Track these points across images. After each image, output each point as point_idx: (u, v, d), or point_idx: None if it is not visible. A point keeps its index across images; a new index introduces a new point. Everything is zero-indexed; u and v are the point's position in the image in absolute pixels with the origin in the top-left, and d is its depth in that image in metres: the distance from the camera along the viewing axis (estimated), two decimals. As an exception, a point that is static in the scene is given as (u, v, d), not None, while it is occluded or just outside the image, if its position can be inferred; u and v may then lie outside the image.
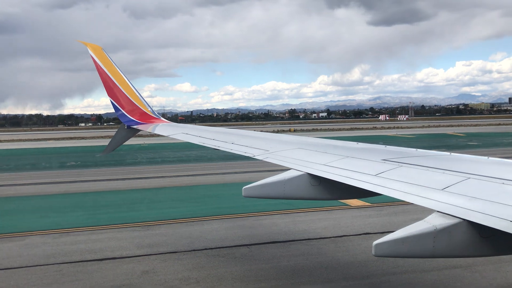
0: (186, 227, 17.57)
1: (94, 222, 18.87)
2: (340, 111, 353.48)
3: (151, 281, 12.11)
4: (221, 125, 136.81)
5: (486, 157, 6.40)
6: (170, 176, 32.34)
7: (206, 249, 14.75)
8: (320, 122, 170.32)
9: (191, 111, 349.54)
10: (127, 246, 15.29)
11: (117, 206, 22.38)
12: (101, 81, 14.96)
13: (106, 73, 14.75)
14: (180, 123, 20.99)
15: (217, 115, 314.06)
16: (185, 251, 14.56)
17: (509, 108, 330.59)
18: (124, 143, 16.61)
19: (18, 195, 26.30)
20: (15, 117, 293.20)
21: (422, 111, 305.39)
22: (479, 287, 11.18)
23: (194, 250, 14.68)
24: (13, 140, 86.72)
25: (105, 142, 25.12)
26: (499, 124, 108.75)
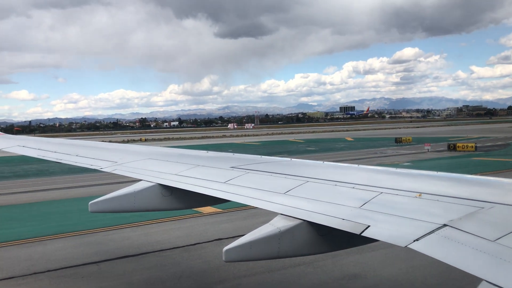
0: (25, 249, 15.96)
1: None
2: (191, 120, 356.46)
3: (-17, 313, 10.74)
4: (65, 136, 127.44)
5: (322, 162, 7.06)
6: (4, 194, 29.09)
7: (48, 271, 13.58)
8: (171, 131, 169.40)
9: (30, 121, 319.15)
10: (-48, 276, 13.33)
11: None
12: None
13: None
14: (16, 134, 19.04)
15: (60, 125, 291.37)
16: (24, 275, 13.22)
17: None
18: None
19: None
20: None
21: (267, 120, 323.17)
22: (321, 281, 12.22)
23: (35, 273, 13.41)
24: None
25: None
26: (333, 131, 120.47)
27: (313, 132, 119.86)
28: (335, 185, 5.43)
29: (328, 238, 4.85)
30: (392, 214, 4.30)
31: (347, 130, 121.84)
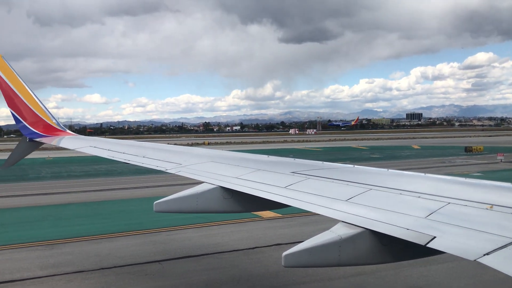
0: (94, 245, 16.78)
1: (-10, 242, 17.37)
2: (253, 125, 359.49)
3: (54, 303, 11.39)
4: (133, 138, 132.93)
5: (386, 169, 6.86)
6: (77, 192, 30.77)
7: (115, 267, 14.18)
8: (233, 136, 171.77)
9: (101, 123, 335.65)
10: (29, 267, 14.26)
11: (17, 225, 20.82)
12: (0, 91, 13.96)
13: (6, 82, 13.79)
14: (88, 135, 20.13)
15: (128, 128, 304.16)
16: (93, 270, 13.89)
17: (406, 123, 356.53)
18: (26, 157, 15.57)
19: None
20: None
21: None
22: (381, 291, 11.87)
23: (102, 268, 14.05)
24: None
25: (5, 155, 23.35)
26: (398, 138, 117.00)
27: (378, 139, 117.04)
28: (400, 193, 5.25)
29: (391, 248, 4.69)
30: (460, 226, 4.09)
31: (414, 138, 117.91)
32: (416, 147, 79.61)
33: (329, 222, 4.92)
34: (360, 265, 4.89)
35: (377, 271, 12.96)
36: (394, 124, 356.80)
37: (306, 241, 4.57)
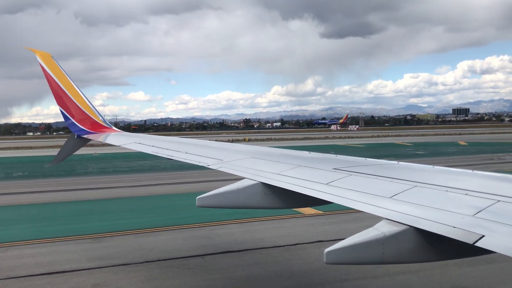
0: (138, 239, 17.23)
1: (41, 234, 18.16)
2: (294, 121, 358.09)
3: (102, 294, 11.77)
4: (176, 135, 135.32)
5: (431, 166, 6.68)
6: (122, 187, 31.65)
7: (159, 260, 14.51)
8: (274, 132, 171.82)
9: (145, 120, 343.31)
10: (77, 259, 14.81)
11: (67, 218, 21.65)
12: (50, 89, 14.52)
13: (55, 81, 14.33)
14: (133, 132, 20.64)
15: (171, 125, 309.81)
16: (137, 263, 14.27)
17: (452, 118, 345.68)
18: (74, 153, 16.15)
19: (-41, 208, 24.94)
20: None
21: (372, 121, 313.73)
22: (426, 291, 11.59)
23: (147, 261, 14.41)
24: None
25: (54, 152, 24.24)
26: (444, 134, 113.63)
27: (423, 135, 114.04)
28: (446, 191, 5.11)
29: (436, 247, 4.58)
30: (511, 225, 3.94)
31: (460, 134, 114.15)
32: (462, 143, 77.05)
33: (372, 220, 4.85)
34: (404, 263, 4.80)
35: (422, 270, 12.66)
36: (440, 119, 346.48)
37: (349, 238, 4.52)
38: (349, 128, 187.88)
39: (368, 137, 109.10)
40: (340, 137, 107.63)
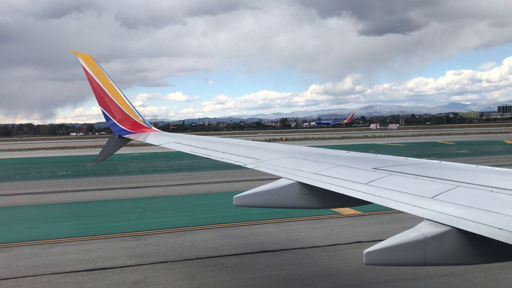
0: (177, 237, 17.47)
1: (84, 232, 18.71)
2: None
3: (142, 291, 12.00)
4: (213, 134, 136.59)
5: (475, 165, 6.45)
6: (161, 186, 32.21)
7: (197, 258, 14.67)
8: (311, 131, 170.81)
9: (183, 120, 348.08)
10: (118, 256, 15.17)
11: (108, 216, 22.23)
12: (92, 91, 14.93)
13: (97, 82, 14.72)
14: (171, 132, 20.94)
15: (208, 124, 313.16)
16: (176, 261, 14.47)
17: (498, 116, 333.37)
18: (115, 153, 16.54)
19: (7, 205, 26.03)
20: (5, 126, 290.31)
21: (413, 120, 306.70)
22: (470, 295, 11.22)
23: (185, 259, 14.59)
24: (3, 150, 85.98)
25: (96, 151, 24.97)
26: (489, 133, 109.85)
27: (466, 133, 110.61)
28: (491, 191, 4.91)
29: (481, 249, 4.41)
30: (562, 228, 3.74)
31: (506, 132, 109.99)
32: (509, 142, 74.22)
33: (412, 221, 4.73)
34: (447, 266, 4.67)
35: (465, 272, 12.27)
36: (484, 117, 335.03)
37: (389, 238, 4.43)
38: (389, 127, 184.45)
39: (409, 136, 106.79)
40: (379, 136, 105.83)
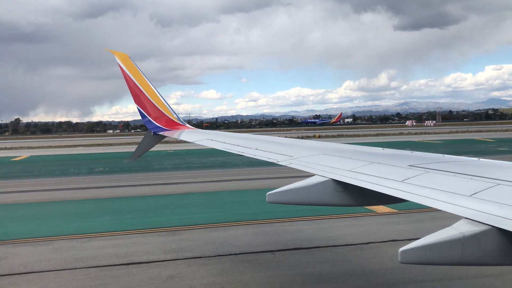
0: (211, 233, 17.65)
1: (121, 227, 19.15)
2: (366, 117, 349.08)
3: (176, 285, 12.20)
4: (246, 131, 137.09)
5: (516, 163, 6.24)
6: (195, 182, 32.58)
7: (230, 254, 14.78)
8: (345, 128, 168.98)
9: (216, 118, 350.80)
10: (153, 251, 15.45)
11: (143, 212, 22.66)
12: (128, 89, 15.23)
13: (133, 80, 15.01)
14: (205, 129, 21.16)
15: (241, 122, 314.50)
16: (210, 256, 14.62)
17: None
18: (150, 149, 16.84)
19: (48, 200, 26.91)
20: (46, 124, 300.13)
21: (450, 116, 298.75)
22: (510, 296, 10.88)
23: (218, 255, 14.73)
24: (43, 147, 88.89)
25: (132, 148, 25.43)
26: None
27: (506, 130, 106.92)
28: (534, 189, 4.74)
29: (524, 249, 4.27)
30: None
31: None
32: (552, 139, 71.39)
33: (449, 219, 4.62)
34: (486, 266, 4.54)
35: (507, 273, 11.90)
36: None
37: (425, 237, 4.34)
38: (425, 124, 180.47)
39: (446, 133, 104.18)
40: (415, 133, 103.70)
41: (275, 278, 12.53)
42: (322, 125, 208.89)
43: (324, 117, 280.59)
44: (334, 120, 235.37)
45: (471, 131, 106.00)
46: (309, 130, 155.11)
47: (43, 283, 12.75)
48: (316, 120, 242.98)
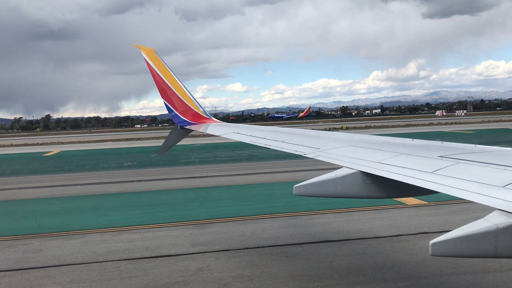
0: (238, 226, 17.73)
1: (150, 220, 19.44)
2: (395, 107, 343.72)
3: (205, 278, 12.32)
4: (272, 124, 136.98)
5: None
6: (222, 175, 32.76)
7: (258, 247, 14.82)
8: (373, 119, 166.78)
9: (242, 111, 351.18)
10: (182, 243, 15.63)
11: (172, 205, 22.94)
12: (154, 84, 15.38)
13: (159, 75, 15.13)
14: (231, 123, 21.22)
15: (267, 114, 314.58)
16: (238, 249, 14.70)
17: None
18: (177, 143, 16.99)
19: (79, 195, 27.53)
20: (75, 120, 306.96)
21: (482, 106, 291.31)
22: (546, 290, 10.57)
23: (246, 248, 14.79)
24: (73, 142, 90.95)
25: (160, 142, 25.73)
26: None
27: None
28: None
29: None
30: None
31: None
32: None
33: (481, 211, 4.50)
34: (521, 259, 4.41)
35: (541, 266, 11.56)
36: None
37: (457, 229, 4.25)
38: (456, 114, 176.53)
39: (478, 122, 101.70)
40: (446, 123, 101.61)
41: (304, 271, 12.51)
42: (289, 120, 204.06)
43: (294, 112, 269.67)
44: (302, 114, 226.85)
45: (504, 120, 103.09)
46: (336, 122, 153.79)
47: (76, 275, 13.07)
48: (283, 115, 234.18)
